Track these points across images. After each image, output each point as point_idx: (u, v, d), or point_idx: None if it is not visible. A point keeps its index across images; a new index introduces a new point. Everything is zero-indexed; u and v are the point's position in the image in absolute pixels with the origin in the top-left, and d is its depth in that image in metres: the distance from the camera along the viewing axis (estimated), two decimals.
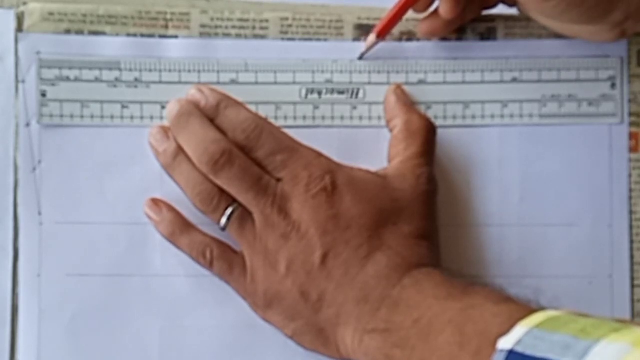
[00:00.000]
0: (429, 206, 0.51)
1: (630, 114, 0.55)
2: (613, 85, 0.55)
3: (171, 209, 0.52)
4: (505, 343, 0.39)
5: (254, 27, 0.54)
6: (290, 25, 0.54)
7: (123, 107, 0.53)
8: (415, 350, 0.45)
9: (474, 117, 0.54)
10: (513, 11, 0.54)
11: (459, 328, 0.43)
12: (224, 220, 0.51)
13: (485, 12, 0.54)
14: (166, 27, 0.54)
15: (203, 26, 0.54)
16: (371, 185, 0.51)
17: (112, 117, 0.53)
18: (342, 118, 0.54)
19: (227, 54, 0.54)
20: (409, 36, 0.55)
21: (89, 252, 0.52)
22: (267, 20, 0.54)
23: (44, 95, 0.53)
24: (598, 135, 0.55)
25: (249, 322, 0.52)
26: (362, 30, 0.54)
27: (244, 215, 0.51)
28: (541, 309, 0.41)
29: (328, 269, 0.49)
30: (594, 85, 0.55)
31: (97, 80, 0.53)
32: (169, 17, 0.54)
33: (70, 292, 0.52)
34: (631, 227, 0.54)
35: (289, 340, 0.51)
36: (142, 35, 0.54)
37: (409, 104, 0.53)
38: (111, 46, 0.53)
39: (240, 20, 0.54)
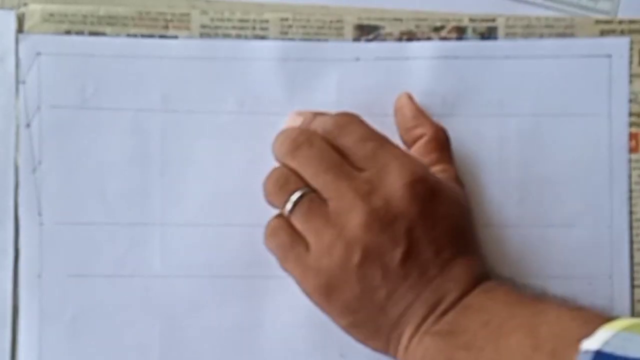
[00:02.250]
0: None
1: (630, 114, 0.55)
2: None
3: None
4: (591, 344, 0.38)
5: (254, 28, 0.54)
6: (290, 26, 0.54)
7: None
8: (483, 351, 0.43)
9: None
10: (513, 11, 0.54)
11: (532, 330, 0.42)
12: (290, 203, 0.47)
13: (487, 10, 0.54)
14: (166, 27, 0.54)
15: (203, 26, 0.54)
16: (452, 188, 0.50)
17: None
18: None
19: (227, 54, 0.54)
20: (409, 36, 0.55)
21: (89, 253, 0.53)
22: (267, 21, 0.54)
23: None
24: (598, 135, 0.55)
25: (249, 323, 0.52)
26: (362, 30, 0.54)
27: (313, 199, 0.47)
28: (616, 317, 0.41)
29: (406, 268, 0.46)
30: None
31: None
32: (169, 17, 0.54)
33: (70, 293, 0.52)
34: (631, 227, 0.54)
35: (289, 340, 0.51)
36: (142, 36, 0.54)
37: (426, 114, 0.53)
38: (111, 47, 0.53)
39: (241, 20, 0.54)
